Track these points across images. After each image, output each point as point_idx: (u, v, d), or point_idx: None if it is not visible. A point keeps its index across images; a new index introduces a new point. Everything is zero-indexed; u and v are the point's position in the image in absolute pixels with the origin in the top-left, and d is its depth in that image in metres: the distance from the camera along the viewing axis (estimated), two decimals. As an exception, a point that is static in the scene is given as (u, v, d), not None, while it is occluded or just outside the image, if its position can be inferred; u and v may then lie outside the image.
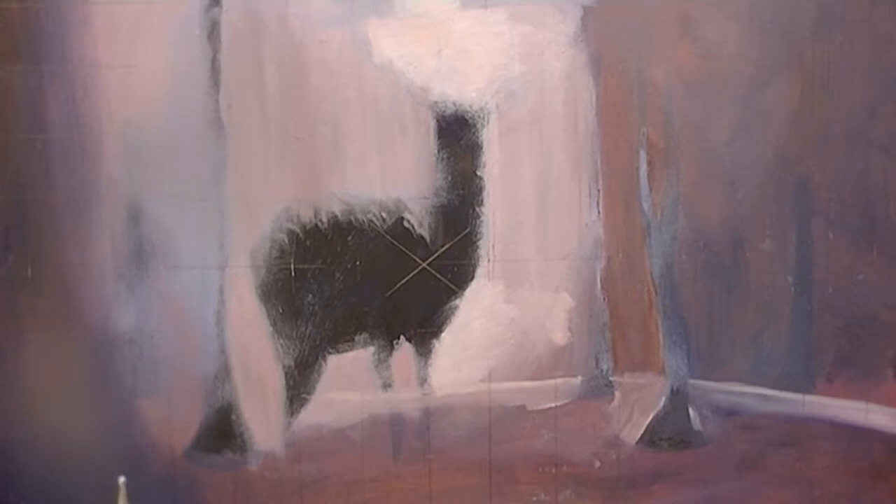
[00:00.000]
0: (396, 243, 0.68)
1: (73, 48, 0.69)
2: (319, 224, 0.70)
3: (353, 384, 0.70)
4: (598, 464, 0.72)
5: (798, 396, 0.71)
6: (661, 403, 0.71)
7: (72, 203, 0.70)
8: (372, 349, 0.70)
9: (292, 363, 0.71)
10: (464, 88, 0.69)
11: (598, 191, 0.70)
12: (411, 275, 0.68)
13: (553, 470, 0.72)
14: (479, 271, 0.70)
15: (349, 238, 0.68)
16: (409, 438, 0.68)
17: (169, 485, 0.72)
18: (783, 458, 0.71)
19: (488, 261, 0.70)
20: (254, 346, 0.71)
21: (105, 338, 0.71)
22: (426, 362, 0.69)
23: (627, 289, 0.70)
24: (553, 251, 0.70)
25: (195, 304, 0.71)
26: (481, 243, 0.69)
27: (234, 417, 0.71)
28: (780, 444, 0.71)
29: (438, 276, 0.68)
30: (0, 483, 0.72)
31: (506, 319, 0.70)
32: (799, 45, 0.68)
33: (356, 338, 0.70)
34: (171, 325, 0.71)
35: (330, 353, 0.70)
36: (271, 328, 0.71)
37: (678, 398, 0.71)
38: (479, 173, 0.69)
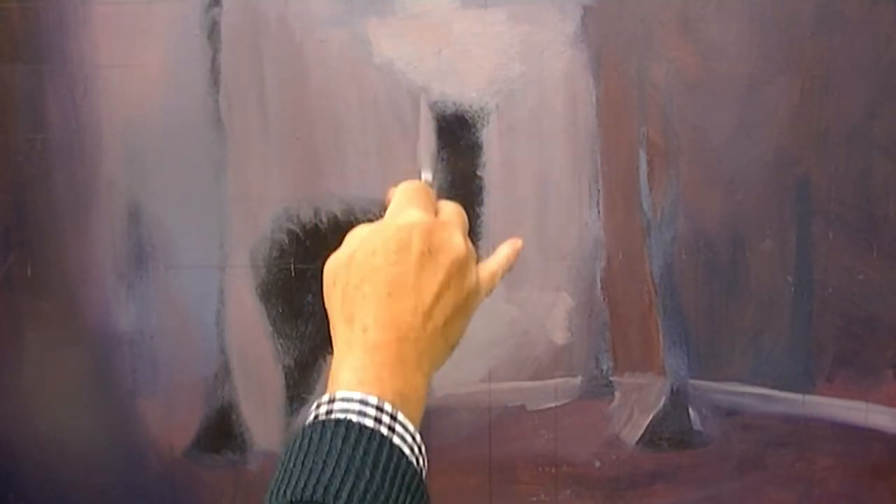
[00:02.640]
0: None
1: (73, 48, 0.69)
2: (319, 224, 0.70)
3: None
4: (598, 464, 0.72)
5: (798, 396, 0.71)
6: (661, 403, 0.71)
7: (72, 203, 0.70)
8: (372, 349, 0.69)
9: (292, 363, 0.71)
10: (464, 88, 0.69)
11: (598, 191, 0.70)
12: (411, 275, 0.68)
13: (553, 470, 0.72)
14: (479, 271, 0.69)
15: (349, 238, 0.68)
16: (409, 438, 0.68)
17: (169, 485, 0.72)
18: (783, 458, 0.71)
19: (488, 261, 0.70)
20: (254, 346, 0.71)
21: (105, 338, 0.71)
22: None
23: (627, 289, 0.70)
24: (553, 251, 0.70)
25: (195, 304, 0.71)
26: (481, 243, 0.69)
27: (234, 417, 0.71)
28: (780, 444, 0.71)
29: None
30: (0, 483, 0.72)
31: (506, 319, 0.70)
32: (799, 45, 0.68)
33: (356, 338, 0.70)
34: (171, 325, 0.71)
35: (330, 354, 0.70)
36: (271, 328, 0.71)
37: (678, 398, 0.71)
38: (479, 173, 0.69)
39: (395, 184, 0.53)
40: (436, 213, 0.53)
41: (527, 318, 0.70)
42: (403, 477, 0.44)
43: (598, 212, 0.70)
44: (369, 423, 0.44)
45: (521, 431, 0.71)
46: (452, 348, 0.53)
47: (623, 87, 0.69)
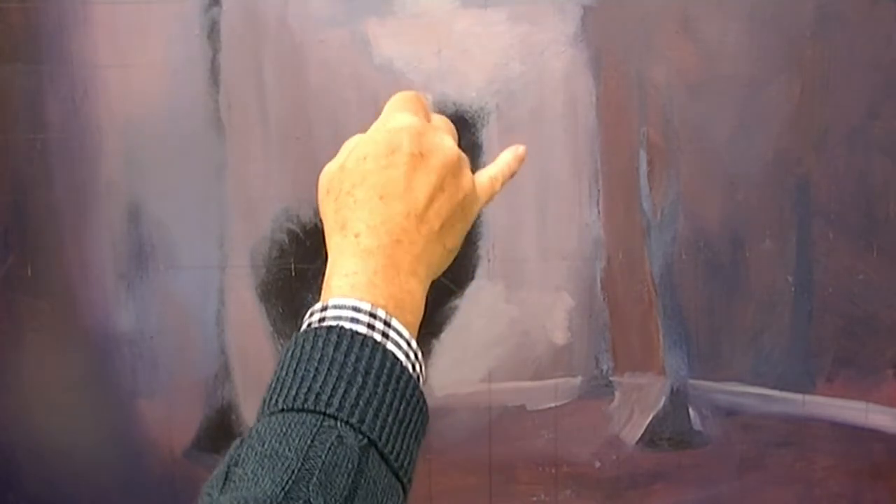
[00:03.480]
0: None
1: (73, 48, 0.69)
2: (319, 224, 0.69)
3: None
4: (598, 464, 0.72)
5: (798, 396, 0.71)
6: (661, 403, 0.71)
7: (72, 203, 0.70)
8: (372, 349, 0.69)
9: (292, 363, 0.71)
10: (464, 88, 0.69)
11: (598, 191, 0.70)
12: (411, 275, 0.68)
13: (553, 470, 0.72)
14: (479, 271, 0.70)
15: (349, 238, 0.68)
16: (409, 438, 0.68)
17: (169, 485, 0.72)
18: (783, 458, 0.71)
19: (488, 261, 0.70)
20: (254, 346, 0.71)
21: (105, 338, 0.71)
22: (426, 362, 0.69)
23: (627, 289, 0.70)
24: (553, 251, 0.70)
25: (195, 304, 0.71)
26: (481, 243, 0.69)
27: (234, 417, 0.71)
28: (780, 444, 0.71)
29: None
30: (0, 483, 0.72)
31: (506, 319, 0.70)
32: (799, 45, 0.68)
33: (356, 338, 0.70)
34: (171, 326, 0.71)
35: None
36: (271, 328, 0.71)
37: (678, 398, 0.71)
38: (479, 173, 0.69)
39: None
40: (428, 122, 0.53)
41: (527, 318, 0.70)
42: (398, 382, 0.43)
43: (598, 212, 0.70)
44: (362, 329, 0.43)
45: (521, 431, 0.71)
46: (452, 253, 0.51)
47: (623, 87, 0.69)
